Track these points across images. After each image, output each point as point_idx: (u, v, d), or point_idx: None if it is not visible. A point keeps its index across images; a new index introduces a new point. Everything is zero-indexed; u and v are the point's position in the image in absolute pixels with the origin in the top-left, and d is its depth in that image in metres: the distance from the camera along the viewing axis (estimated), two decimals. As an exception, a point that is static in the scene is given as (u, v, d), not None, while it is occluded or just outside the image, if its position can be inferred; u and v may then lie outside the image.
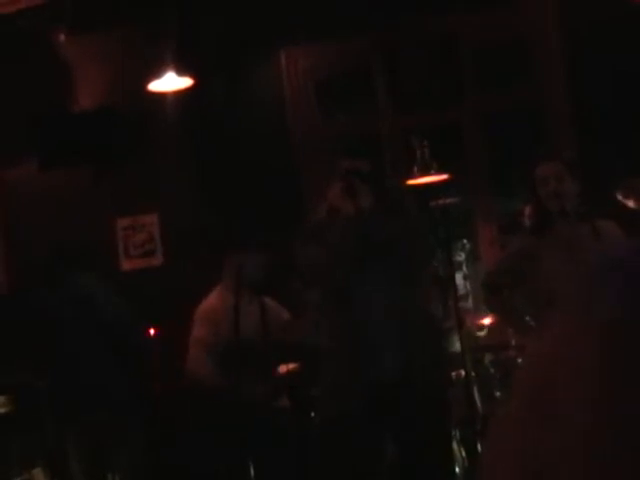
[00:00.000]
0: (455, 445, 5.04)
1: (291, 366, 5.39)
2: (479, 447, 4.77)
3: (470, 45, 6.31)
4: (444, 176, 5.87)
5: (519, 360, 5.18)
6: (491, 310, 4.98)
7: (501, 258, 4.90)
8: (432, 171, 5.78)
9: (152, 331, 5.56)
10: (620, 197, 4.58)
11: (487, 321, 5.64)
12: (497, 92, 6.44)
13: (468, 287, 6.33)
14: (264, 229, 5.95)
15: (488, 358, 5.49)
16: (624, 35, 5.74)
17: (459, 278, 6.48)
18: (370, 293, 3.94)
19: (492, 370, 5.36)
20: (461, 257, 6.74)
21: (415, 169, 5.84)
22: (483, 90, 6.40)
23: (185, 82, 5.90)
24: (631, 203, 4.61)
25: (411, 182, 5.80)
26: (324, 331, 4.20)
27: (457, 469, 4.83)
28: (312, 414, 5.08)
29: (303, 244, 4.06)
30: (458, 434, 5.09)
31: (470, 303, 6.29)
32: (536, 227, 4.36)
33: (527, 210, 4.53)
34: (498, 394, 5.22)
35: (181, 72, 5.80)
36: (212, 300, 5.27)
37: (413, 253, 4.06)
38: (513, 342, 5.37)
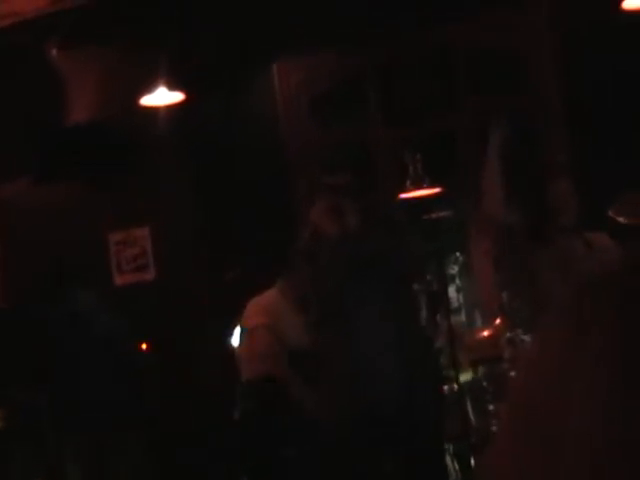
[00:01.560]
0: (449, 459, 5.03)
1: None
2: (473, 461, 4.76)
3: (464, 57, 6.32)
4: (437, 189, 5.88)
5: (512, 374, 5.17)
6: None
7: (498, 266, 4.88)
8: (425, 185, 5.79)
9: (145, 346, 5.56)
10: (612, 214, 4.60)
11: (485, 333, 5.63)
12: (491, 101, 6.44)
13: (461, 300, 6.33)
14: (258, 243, 5.97)
15: (481, 371, 5.48)
16: (619, 42, 5.76)
17: (452, 291, 6.48)
18: (363, 313, 3.90)
19: (485, 383, 5.35)
20: (454, 270, 6.74)
21: (408, 183, 5.85)
22: (477, 102, 6.40)
23: (177, 97, 5.91)
24: (622, 220, 4.63)
25: (404, 196, 5.80)
26: (320, 351, 4.17)
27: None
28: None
29: (293, 269, 4.03)
30: (452, 448, 5.08)
31: (463, 316, 6.29)
32: (535, 239, 4.36)
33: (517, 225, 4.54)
34: (491, 408, 5.21)
35: (173, 87, 5.81)
36: (269, 298, 5.01)
37: (404, 265, 4.04)
38: (506, 355, 5.36)
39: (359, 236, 3.95)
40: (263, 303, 4.79)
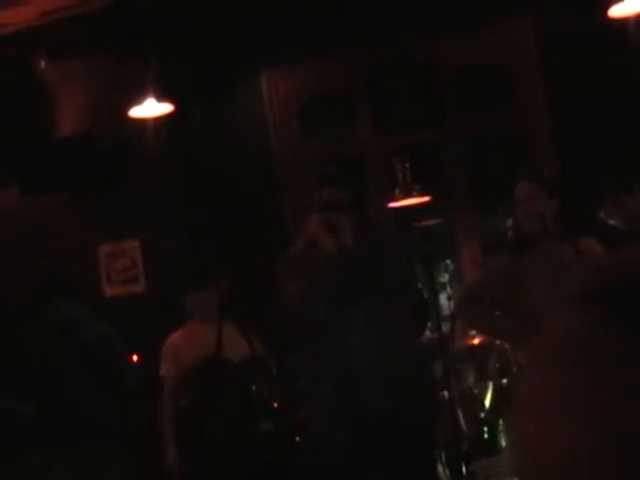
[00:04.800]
0: (440, 467, 5.02)
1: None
2: (464, 468, 4.75)
3: (451, 67, 6.34)
4: (426, 198, 5.89)
5: (503, 380, 5.18)
6: (470, 322, 4.97)
7: (481, 275, 4.90)
8: (414, 193, 5.80)
9: (135, 357, 5.54)
10: (603, 216, 4.60)
11: (476, 341, 5.63)
12: (478, 113, 6.46)
13: (452, 308, 6.33)
14: (245, 253, 5.97)
15: (471, 379, 5.48)
16: (603, 56, 5.79)
17: (443, 299, 6.49)
18: (355, 327, 3.88)
19: (475, 391, 5.35)
20: (445, 278, 6.74)
21: (397, 191, 5.86)
22: (464, 111, 6.42)
23: (165, 108, 5.91)
24: (613, 222, 4.64)
25: (393, 204, 5.81)
26: (308, 365, 4.15)
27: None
28: (297, 438, 5.05)
29: (285, 279, 4.01)
30: (444, 456, 5.07)
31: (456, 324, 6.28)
32: (516, 247, 4.36)
33: (508, 223, 4.55)
34: (482, 415, 5.21)
35: (161, 98, 5.81)
36: (179, 336, 5.22)
37: (397, 282, 4.00)
38: (497, 365, 5.36)
39: (354, 256, 3.91)
40: (174, 346, 5.08)
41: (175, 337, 5.21)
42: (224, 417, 4.90)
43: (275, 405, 5.07)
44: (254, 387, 5.04)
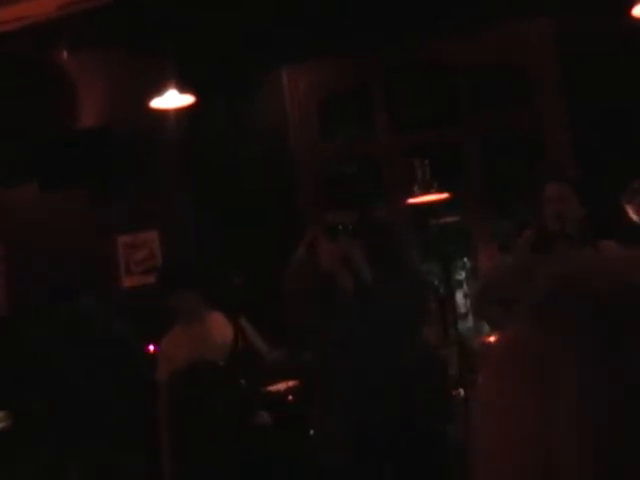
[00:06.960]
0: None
1: (290, 383, 5.38)
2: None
3: (467, 66, 6.32)
4: (444, 195, 5.89)
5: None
6: (484, 319, 4.97)
7: (496, 270, 4.88)
8: (432, 190, 5.80)
9: (152, 347, 5.56)
10: (624, 201, 4.62)
11: (492, 339, 5.63)
12: (495, 112, 6.44)
13: (469, 306, 6.33)
14: (265, 248, 5.98)
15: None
16: (620, 54, 5.76)
17: (460, 297, 6.48)
18: (365, 337, 3.85)
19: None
20: (462, 276, 6.73)
21: (415, 188, 5.86)
22: (482, 110, 6.40)
23: (187, 100, 5.92)
24: (633, 211, 4.65)
25: (411, 201, 5.82)
26: (317, 372, 4.13)
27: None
28: (311, 432, 5.06)
29: (287, 284, 3.97)
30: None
31: (471, 321, 6.29)
32: (536, 246, 4.36)
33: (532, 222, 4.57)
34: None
35: (183, 89, 5.83)
36: (171, 339, 5.22)
37: (412, 306, 3.95)
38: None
39: (373, 292, 3.83)
40: (167, 350, 5.09)
41: (167, 341, 5.18)
42: (218, 416, 4.89)
43: (270, 396, 5.08)
44: (243, 382, 5.02)
